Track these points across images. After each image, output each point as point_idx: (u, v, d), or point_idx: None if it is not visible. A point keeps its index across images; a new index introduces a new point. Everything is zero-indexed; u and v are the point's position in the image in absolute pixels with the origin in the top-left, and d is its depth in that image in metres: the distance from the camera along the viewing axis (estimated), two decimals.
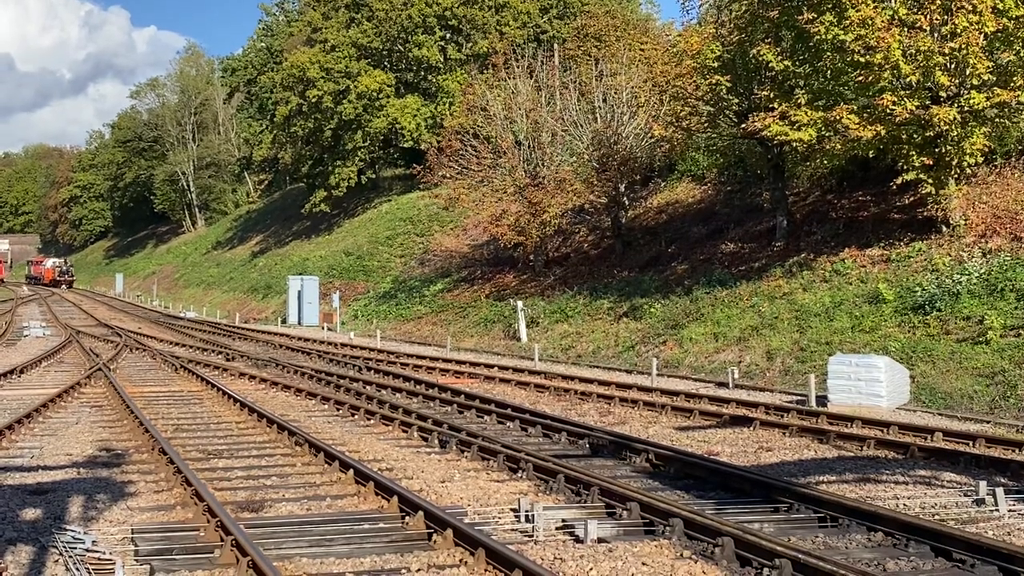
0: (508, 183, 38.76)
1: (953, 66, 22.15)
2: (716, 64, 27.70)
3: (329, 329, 43.10)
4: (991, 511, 10.35)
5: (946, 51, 21.77)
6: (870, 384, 17.98)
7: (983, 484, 10.86)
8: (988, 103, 21.92)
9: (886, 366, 18.20)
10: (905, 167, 23.46)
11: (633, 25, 52.27)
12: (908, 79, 22.23)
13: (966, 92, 22.21)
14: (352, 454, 13.57)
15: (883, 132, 22.75)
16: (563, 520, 9.87)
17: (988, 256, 22.25)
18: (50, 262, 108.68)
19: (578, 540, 9.26)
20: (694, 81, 28.94)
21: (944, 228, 24.07)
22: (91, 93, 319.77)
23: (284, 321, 49.60)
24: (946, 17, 21.93)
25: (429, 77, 62.04)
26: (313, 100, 61.08)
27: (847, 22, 22.34)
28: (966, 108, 22.11)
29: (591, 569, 8.40)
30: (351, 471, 12.04)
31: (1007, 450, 13.75)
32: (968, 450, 13.60)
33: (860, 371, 18.13)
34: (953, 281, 21.59)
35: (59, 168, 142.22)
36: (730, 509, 10.34)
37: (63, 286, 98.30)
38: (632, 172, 36.39)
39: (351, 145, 62.04)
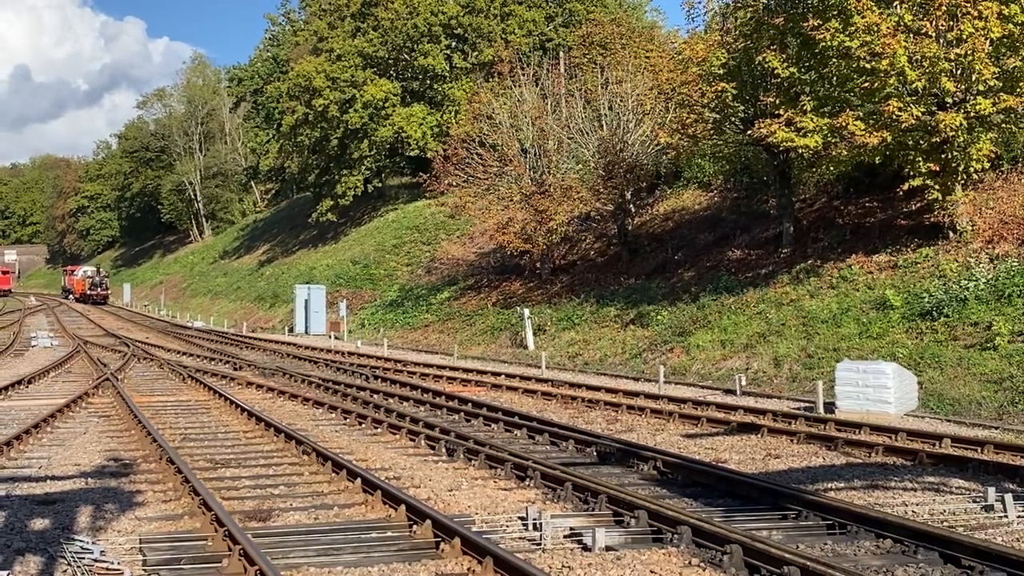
0: (514, 191, 38.80)
1: (959, 72, 22.14)
2: (722, 71, 27.75)
3: (336, 338, 43.13)
4: (1000, 517, 10.32)
5: (952, 57, 21.78)
6: (878, 390, 17.92)
7: (992, 490, 10.83)
8: (994, 109, 21.91)
9: (894, 372, 18.15)
10: (912, 173, 23.46)
11: (638, 33, 52.22)
12: (914, 85, 22.22)
13: (972, 98, 22.20)
14: (359, 463, 13.58)
15: (889, 138, 22.76)
16: (571, 528, 9.87)
17: (995, 262, 22.21)
18: (80, 272, 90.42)
19: (586, 548, 9.25)
20: (700, 88, 28.96)
21: (951, 234, 24.04)
22: (106, 104, 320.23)
23: (291, 330, 49.64)
24: (952, 23, 21.94)
25: (435, 86, 62.14)
26: (319, 109, 61.25)
27: (852, 29, 22.37)
28: (972, 114, 22.09)
29: None
30: (358, 480, 12.04)
31: (1016, 456, 13.70)
32: (976, 456, 13.56)
33: (868, 377, 18.08)
34: (960, 287, 21.55)
35: (66, 178, 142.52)
36: (738, 516, 10.33)
37: (97, 302, 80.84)
38: (638, 179, 36.42)
39: (357, 154, 62.16)
